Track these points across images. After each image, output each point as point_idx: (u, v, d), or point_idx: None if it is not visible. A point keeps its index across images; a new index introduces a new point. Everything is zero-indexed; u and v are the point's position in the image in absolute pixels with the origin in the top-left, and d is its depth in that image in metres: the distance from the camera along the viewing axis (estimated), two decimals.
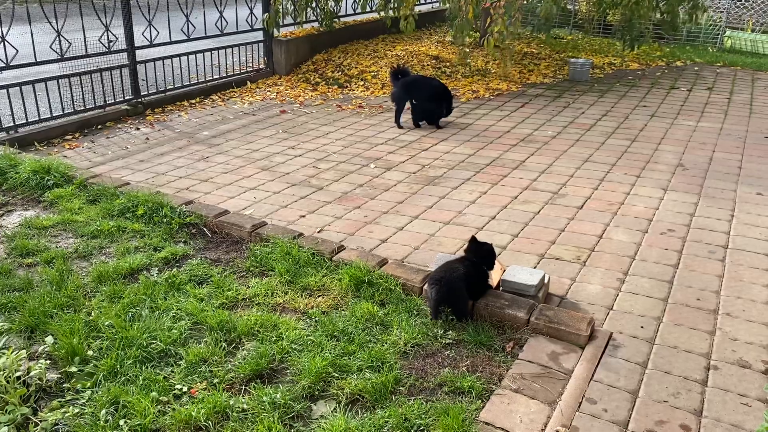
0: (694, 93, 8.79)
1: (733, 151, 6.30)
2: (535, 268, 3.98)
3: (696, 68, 10.54)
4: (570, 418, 2.72)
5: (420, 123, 7.22)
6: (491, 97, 8.57)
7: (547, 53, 11.26)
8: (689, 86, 9.20)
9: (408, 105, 7.23)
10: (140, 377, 2.88)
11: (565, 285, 3.82)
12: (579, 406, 2.79)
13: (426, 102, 7.10)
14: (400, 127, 7.17)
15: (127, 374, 2.91)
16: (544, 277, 3.62)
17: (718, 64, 10.84)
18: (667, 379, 2.98)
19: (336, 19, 10.67)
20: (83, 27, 6.90)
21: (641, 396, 2.87)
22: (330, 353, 3.06)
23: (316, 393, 2.85)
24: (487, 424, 2.68)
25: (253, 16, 9.05)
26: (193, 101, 8.28)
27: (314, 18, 10.33)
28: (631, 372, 3.03)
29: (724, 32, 12.46)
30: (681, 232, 4.51)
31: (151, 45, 7.76)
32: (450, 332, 3.28)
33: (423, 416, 2.69)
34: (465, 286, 3.37)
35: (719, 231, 4.53)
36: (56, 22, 6.69)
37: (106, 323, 3.26)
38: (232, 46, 9.02)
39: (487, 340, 3.23)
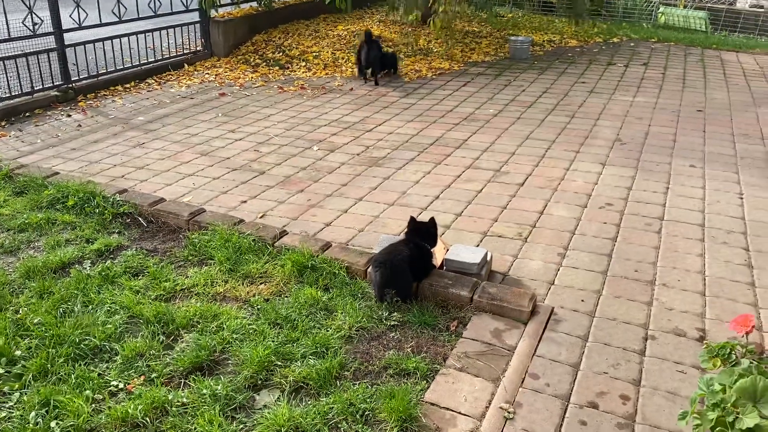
0: (631, 69, 8.98)
1: (667, 125, 6.46)
2: (478, 246, 4.00)
3: (632, 44, 10.76)
4: (513, 394, 2.75)
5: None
6: (434, 77, 8.55)
7: (488, 31, 11.30)
8: (626, 62, 9.39)
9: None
10: (73, 375, 2.76)
11: (508, 262, 3.85)
12: (522, 382, 2.82)
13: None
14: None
15: (59, 373, 2.79)
16: (486, 254, 3.64)
17: (653, 40, 11.10)
18: (607, 351, 3.05)
19: None
20: (4, 9, 6.53)
21: (582, 369, 2.92)
22: (273, 341, 3.00)
23: (259, 383, 2.80)
24: (432, 404, 2.68)
25: None
26: (128, 86, 7.97)
27: None
28: (572, 346, 3.08)
29: (658, 9, 12.76)
30: (619, 206, 4.60)
31: (80, 27, 7.42)
32: (395, 314, 3.27)
33: (368, 400, 2.67)
34: (409, 267, 3.35)
35: (655, 203, 4.64)
36: None
37: (35, 321, 3.11)
38: (167, 28, 8.70)
39: (431, 320, 3.23)
